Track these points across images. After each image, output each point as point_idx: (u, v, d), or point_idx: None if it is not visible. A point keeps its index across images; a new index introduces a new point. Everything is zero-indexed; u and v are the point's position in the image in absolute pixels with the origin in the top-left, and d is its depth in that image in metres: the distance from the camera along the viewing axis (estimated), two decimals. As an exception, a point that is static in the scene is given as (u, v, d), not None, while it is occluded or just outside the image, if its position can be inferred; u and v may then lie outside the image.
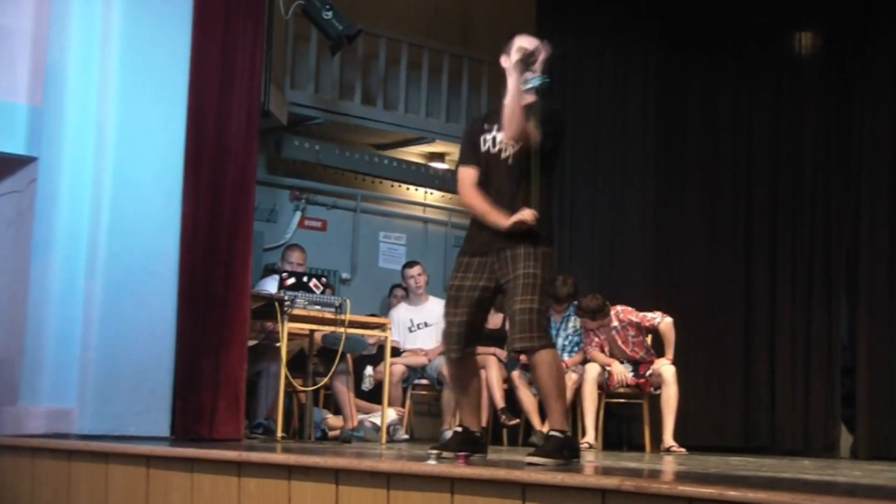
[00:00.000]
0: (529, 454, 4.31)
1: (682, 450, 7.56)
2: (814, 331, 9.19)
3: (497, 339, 8.67)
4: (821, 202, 9.24)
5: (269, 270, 8.36)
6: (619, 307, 8.04)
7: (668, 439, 7.64)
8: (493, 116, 4.69)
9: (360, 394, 7.89)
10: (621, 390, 8.05)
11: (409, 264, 8.92)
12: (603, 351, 8.06)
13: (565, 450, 4.35)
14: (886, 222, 8.77)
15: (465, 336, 4.66)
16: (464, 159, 4.72)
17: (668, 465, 5.40)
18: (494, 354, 8.36)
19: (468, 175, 4.67)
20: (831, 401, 9.07)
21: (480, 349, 8.41)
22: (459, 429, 4.76)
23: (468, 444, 4.68)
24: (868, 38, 8.94)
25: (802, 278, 9.30)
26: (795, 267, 9.32)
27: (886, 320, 8.69)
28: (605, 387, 7.94)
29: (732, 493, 3.06)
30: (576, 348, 8.26)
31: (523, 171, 4.54)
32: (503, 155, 4.61)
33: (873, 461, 7.79)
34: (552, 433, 4.44)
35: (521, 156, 4.55)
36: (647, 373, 7.96)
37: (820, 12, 9.29)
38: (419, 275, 8.69)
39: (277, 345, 6.76)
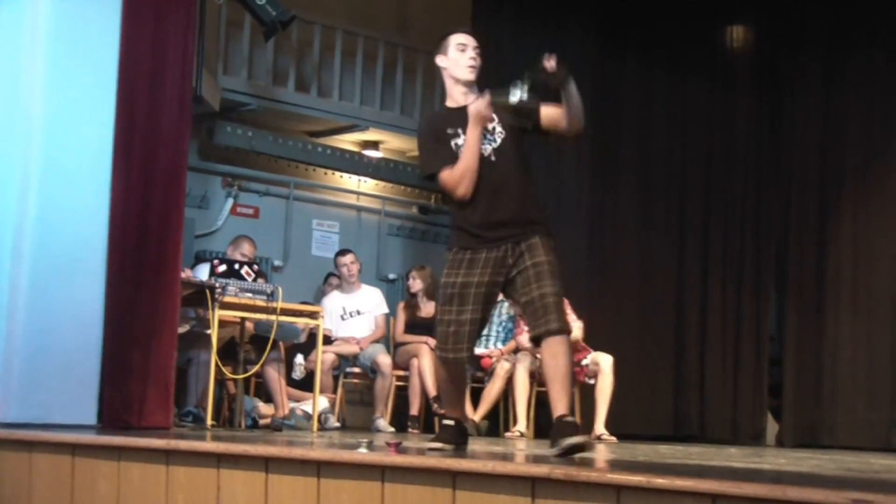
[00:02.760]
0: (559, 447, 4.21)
1: (613, 438, 7.63)
2: (743, 322, 9.32)
3: (429, 328, 8.68)
4: (752, 196, 9.36)
5: (195, 261, 8.28)
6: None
7: (600, 427, 7.71)
8: (454, 120, 4.57)
9: (290, 382, 7.86)
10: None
11: (342, 252, 8.91)
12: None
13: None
14: (815, 216, 8.92)
15: (476, 334, 4.57)
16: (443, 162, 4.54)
17: (598, 453, 5.43)
18: (426, 343, 8.38)
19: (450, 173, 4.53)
20: (759, 391, 9.21)
21: (412, 338, 8.50)
22: (451, 422, 4.71)
23: (463, 436, 4.69)
24: (799, 36, 9.05)
25: (733, 270, 9.41)
26: (726, 259, 9.44)
27: (813, 312, 8.84)
28: (537, 375, 7.98)
29: (660, 481, 3.09)
30: (509, 335, 8.30)
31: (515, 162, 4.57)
32: (485, 154, 4.55)
33: (798, 449, 7.93)
34: (569, 418, 4.35)
35: (507, 149, 4.55)
36: (583, 362, 8.02)
37: (753, 9, 9.40)
38: (352, 263, 8.68)
39: (208, 332, 6.70)
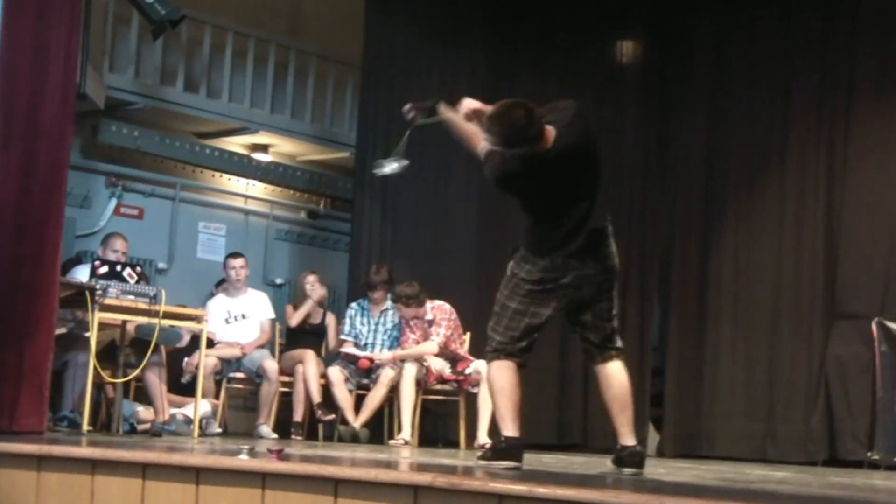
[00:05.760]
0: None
1: (496, 447, 7.64)
2: (626, 332, 9.38)
3: (316, 334, 8.61)
4: (637, 206, 9.45)
5: (75, 261, 8.09)
6: (437, 301, 8.11)
7: (483, 436, 7.71)
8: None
9: (175, 386, 7.71)
10: (438, 387, 8.10)
11: (234, 255, 8.69)
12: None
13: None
14: (699, 228, 9.05)
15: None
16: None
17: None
18: (313, 349, 8.31)
19: None
20: (641, 401, 9.28)
21: (302, 312, 8.41)
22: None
23: None
24: (686, 49, 9.19)
25: (617, 280, 9.48)
26: (610, 269, 9.51)
27: (695, 323, 8.97)
28: (422, 383, 7.97)
29: (542, 491, 3.10)
30: (395, 343, 8.27)
31: None
32: None
33: (678, 459, 8.05)
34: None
35: None
36: (466, 371, 8.03)
37: (643, 21, 9.51)
38: (241, 267, 8.52)
39: (87, 334, 6.54)
